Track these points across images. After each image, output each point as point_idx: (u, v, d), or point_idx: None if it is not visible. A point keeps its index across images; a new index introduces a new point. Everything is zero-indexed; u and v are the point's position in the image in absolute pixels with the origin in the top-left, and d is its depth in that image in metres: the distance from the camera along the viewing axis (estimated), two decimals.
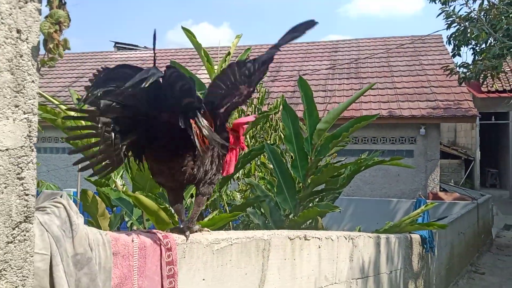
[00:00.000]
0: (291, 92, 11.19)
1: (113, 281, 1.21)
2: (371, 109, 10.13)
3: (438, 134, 10.46)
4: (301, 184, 3.51)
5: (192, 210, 1.65)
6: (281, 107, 4.19)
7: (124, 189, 2.83)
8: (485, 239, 9.78)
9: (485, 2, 7.63)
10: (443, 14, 7.92)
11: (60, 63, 14.33)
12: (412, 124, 10.11)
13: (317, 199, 3.72)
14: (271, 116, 4.89)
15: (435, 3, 8.13)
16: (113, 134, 1.28)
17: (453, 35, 8.13)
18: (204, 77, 4.54)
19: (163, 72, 1.20)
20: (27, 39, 0.95)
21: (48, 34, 0.98)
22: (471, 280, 7.39)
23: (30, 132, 0.96)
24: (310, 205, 3.53)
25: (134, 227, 2.86)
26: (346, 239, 3.05)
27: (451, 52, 8.86)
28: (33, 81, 0.97)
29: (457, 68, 9.03)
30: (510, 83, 15.28)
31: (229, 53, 3.56)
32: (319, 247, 2.64)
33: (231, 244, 1.81)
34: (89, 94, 1.16)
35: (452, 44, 8.37)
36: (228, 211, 3.41)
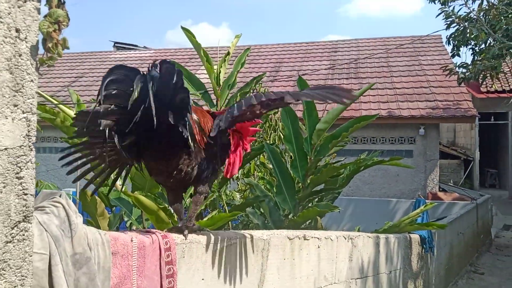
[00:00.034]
0: None
1: (112, 281, 1.21)
2: (371, 109, 10.13)
3: (437, 134, 10.46)
4: (300, 184, 3.51)
5: (190, 209, 1.65)
6: None
7: (123, 189, 2.82)
8: (485, 239, 9.78)
9: (485, 3, 7.64)
10: (443, 14, 7.92)
11: (59, 62, 14.33)
12: (412, 124, 10.11)
13: (316, 199, 3.72)
14: (271, 116, 4.89)
15: (435, 3, 8.13)
16: (115, 136, 1.29)
17: (453, 35, 8.13)
18: (204, 77, 4.54)
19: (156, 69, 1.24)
20: (26, 38, 0.95)
21: (47, 33, 0.98)
22: (471, 280, 7.39)
23: (29, 131, 0.96)
24: (310, 205, 3.53)
25: (134, 227, 2.86)
26: (345, 239, 3.05)
27: (451, 52, 8.87)
28: (32, 81, 0.97)
29: (457, 68, 9.03)
30: (510, 84, 15.29)
31: (228, 53, 3.56)
32: (319, 247, 2.64)
33: (231, 244, 1.81)
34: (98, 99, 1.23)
35: (452, 44, 8.37)
36: (227, 211, 3.40)
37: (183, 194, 1.76)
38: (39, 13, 0.98)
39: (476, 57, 8.46)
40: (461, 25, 7.81)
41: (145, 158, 1.49)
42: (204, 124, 1.53)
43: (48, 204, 1.10)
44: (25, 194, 0.95)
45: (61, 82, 14.07)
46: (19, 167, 0.94)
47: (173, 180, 1.51)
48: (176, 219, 2.13)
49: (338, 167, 3.43)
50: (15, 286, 0.92)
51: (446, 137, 17.64)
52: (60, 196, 1.13)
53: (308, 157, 3.42)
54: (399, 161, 3.77)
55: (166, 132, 1.33)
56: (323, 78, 12.02)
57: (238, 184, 4.68)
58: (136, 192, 2.50)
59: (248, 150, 1.73)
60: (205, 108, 2.47)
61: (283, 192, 3.41)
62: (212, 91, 3.57)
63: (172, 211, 2.06)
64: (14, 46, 0.93)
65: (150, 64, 1.29)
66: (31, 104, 0.97)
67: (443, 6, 7.89)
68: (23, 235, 0.94)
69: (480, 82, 8.92)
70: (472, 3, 7.86)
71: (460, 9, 7.97)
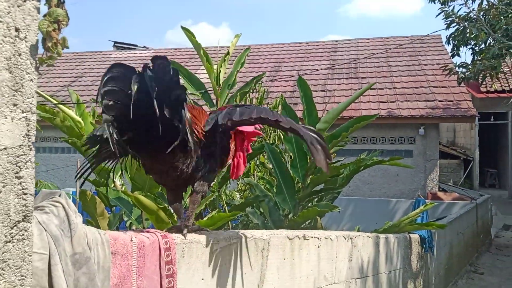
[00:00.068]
0: (290, 92, 11.19)
1: (112, 281, 1.21)
2: (370, 109, 10.14)
3: (437, 134, 10.46)
4: (300, 184, 3.51)
5: (188, 209, 1.65)
6: (280, 107, 4.19)
7: (123, 188, 2.82)
8: (484, 239, 9.78)
9: (484, 2, 7.64)
10: (442, 14, 7.93)
11: (59, 62, 14.32)
12: (411, 124, 10.12)
13: (316, 199, 3.72)
14: None
15: (435, 3, 8.13)
16: (113, 131, 1.31)
17: (452, 35, 8.13)
18: (204, 77, 4.54)
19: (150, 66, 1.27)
20: (25, 37, 0.95)
21: (47, 32, 0.98)
22: (470, 280, 7.40)
23: (28, 131, 0.96)
24: (310, 205, 3.53)
25: (133, 227, 2.86)
26: (345, 239, 3.05)
27: (450, 52, 8.87)
28: (31, 80, 0.97)
29: (456, 68, 9.02)
30: (509, 83, 15.30)
31: (228, 53, 3.56)
32: (318, 246, 2.64)
33: (230, 244, 1.81)
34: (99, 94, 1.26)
35: (451, 44, 8.38)
36: (227, 211, 3.40)
37: (183, 193, 1.76)
38: (38, 12, 0.98)
39: (476, 57, 8.47)
40: (461, 25, 7.81)
41: (141, 155, 1.49)
42: (200, 121, 1.53)
43: (47, 203, 1.10)
44: (25, 194, 0.95)
45: (60, 82, 14.07)
46: (19, 167, 0.93)
47: (170, 178, 1.52)
48: (176, 219, 2.13)
49: (338, 167, 3.43)
50: (14, 286, 0.92)
51: (446, 137, 17.64)
52: (59, 196, 1.13)
53: (308, 157, 3.42)
54: (399, 161, 3.77)
55: (161, 128, 1.33)
56: (323, 78, 12.02)
57: (238, 184, 4.68)
58: (136, 192, 2.50)
59: (250, 151, 1.74)
60: (205, 108, 2.47)
61: (283, 192, 3.41)
62: (212, 91, 3.57)
63: (172, 211, 2.06)
64: (14, 46, 0.93)
65: (145, 64, 1.32)
66: (31, 103, 0.96)
67: (443, 6, 7.89)
68: (23, 234, 0.94)
69: (480, 82, 8.91)
70: (472, 3, 7.88)
71: (460, 9, 7.99)
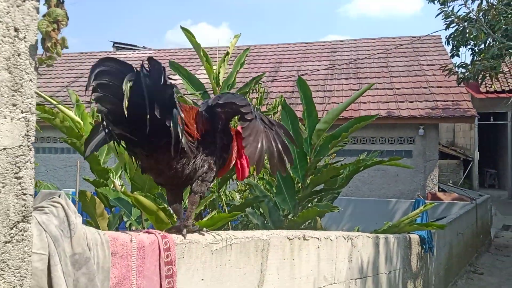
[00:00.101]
0: (290, 92, 11.20)
1: (111, 281, 1.21)
2: (370, 109, 10.14)
3: (436, 134, 10.47)
4: (300, 184, 3.50)
5: (187, 209, 1.65)
6: (280, 107, 4.19)
7: (122, 189, 2.82)
8: (484, 239, 9.79)
9: (484, 3, 7.64)
10: (442, 14, 7.93)
11: (59, 63, 14.32)
12: (411, 125, 10.12)
13: (316, 199, 3.72)
14: (270, 116, 4.89)
15: (434, 3, 8.14)
16: (106, 122, 1.35)
17: (452, 36, 8.14)
18: (203, 77, 4.53)
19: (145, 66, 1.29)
20: (25, 37, 0.95)
21: (46, 32, 0.98)
22: (470, 280, 7.40)
23: (28, 131, 0.96)
24: (309, 205, 3.53)
25: (133, 227, 2.86)
26: (345, 239, 3.05)
27: (450, 53, 8.87)
28: (31, 80, 0.96)
29: (456, 68, 9.03)
30: (509, 84, 15.31)
31: (227, 53, 3.56)
32: (318, 247, 2.63)
33: (230, 244, 1.81)
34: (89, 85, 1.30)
35: (451, 44, 8.38)
36: (227, 211, 3.40)
37: (184, 194, 1.75)
38: (38, 13, 0.97)
39: (475, 57, 8.47)
40: (461, 25, 7.81)
41: (135, 151, 1.49)
42: (197, 122, 1.53)
43: (47, 204, 1.09)
44: (24, 194, 0.95)
45: (60, 82, 14.06)
46: (18, 167, 0.93)
47: (165, 177, 1.52)
48: (175, 220, 2.12)
49: (338, 167, 3.43)
50: (14, 287, 0.92)
51: (445, 137, 17.65)
52: (59, 196, 1.13)
53: (308, 157, 3.42)
54: (399, 161, 3.77)
55: (152, 127, 1.34)
56: (322, 78, 12.02)
57: (237, 184, 4.68)
58: (135, 192, 2.50)
59: None
60: None
61: (282, 192, 3.41)
62: (212, 91, 3.57)
63: (171, 211, 2.06)
64: (13, 46, 0.92)
65: (142, 63, 1.34)
66: (30, 103, 0.96)
67: (443, 6, 7.89)
68: (22, 235, 0.94)
69: (479, 82, 8.92)
70: (471, 3, 7.89)
71: (460, 9, 8.03)
